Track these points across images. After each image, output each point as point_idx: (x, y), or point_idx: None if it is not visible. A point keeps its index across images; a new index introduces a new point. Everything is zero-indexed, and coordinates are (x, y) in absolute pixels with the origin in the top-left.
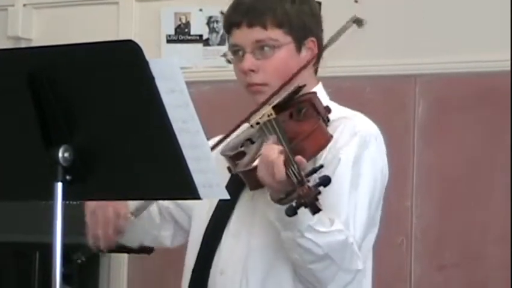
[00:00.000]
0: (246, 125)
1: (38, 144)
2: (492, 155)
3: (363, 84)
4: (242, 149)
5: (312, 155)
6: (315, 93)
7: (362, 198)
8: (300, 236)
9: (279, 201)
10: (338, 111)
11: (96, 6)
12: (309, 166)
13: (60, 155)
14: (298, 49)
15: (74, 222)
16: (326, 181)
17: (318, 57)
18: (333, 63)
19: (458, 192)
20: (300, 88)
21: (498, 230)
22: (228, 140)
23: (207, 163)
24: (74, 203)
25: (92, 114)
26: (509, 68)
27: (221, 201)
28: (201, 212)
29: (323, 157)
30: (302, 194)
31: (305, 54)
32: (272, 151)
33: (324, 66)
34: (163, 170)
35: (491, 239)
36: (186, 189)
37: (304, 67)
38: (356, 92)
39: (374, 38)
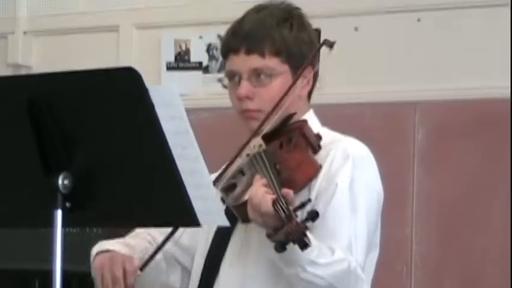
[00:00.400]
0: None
1: (38, 171)
2: (492, 182)
3: (364, 110)
4: (233, 180)
5: (302, 186)
6: (305, 121)
7: (361, 221)
8: (302, 271)
9: (269, 236)
10: (329, 137)
11: (96, 34)
12: (300, 197)
13: (60, 182)
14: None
15: (74, 249)
16: (313, 215)
17: (313, 85)
18: (334, 89)
19: (457, 219)
20: (291, 116)
21: (498, 257)
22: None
23: (207, 190)
24: (74, 230)
25: (92, 141)
26: (509, 95)
27: (217, 234)
28: (201, 246)
29: (318, 184)
30: (290, 230)
31: (301, 82)
32: (258, 188)
33: (324, 93)
34: (162, 196)
35: (490, 265)
36: (186, 216)
37: (288, 91)
38: (356, 119)
39: (374, 64)
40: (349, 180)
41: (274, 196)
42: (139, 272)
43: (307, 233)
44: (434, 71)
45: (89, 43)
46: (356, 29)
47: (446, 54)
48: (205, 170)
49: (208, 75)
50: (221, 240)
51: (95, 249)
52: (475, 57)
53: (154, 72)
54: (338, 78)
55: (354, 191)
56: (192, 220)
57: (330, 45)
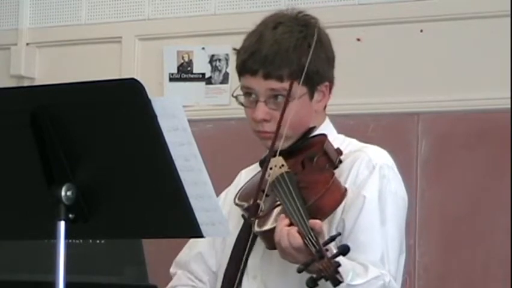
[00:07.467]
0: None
1: (41, 183)
2: (495, 192)
3: (367, 121)
4: (258, 201)
5: (329, 213)
6: (325, 136)
7: (391, 232)
8: None
9: (299, 271)
10: (349, 145)
11: (99, 45)
12: (328, 228)
13: (63, 193)
14: (311, 96)
15: (77, 260)
16: (345, 250)
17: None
18: (336, 100)
19: (460, 230)
20: (310, 130)
21: (500, 268)
22: (242, 186)
23: (210, 201)
24: (77, 241)
25: (95, 153)
26: (509, 106)
27: (237, 245)
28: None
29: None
30: (322, 267)
31: (317, 97)
32: (285, 222)
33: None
34: (165, 208)
35: (493, 276)
36: (189, 227)
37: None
38: (359, 130)
39: (377, 75)
40: (377, 191)
41: (302, 230)
42: None
43: (339, 269)
44: (437, 82)
45: (92, 54)
46: (358, 39)
47: (448, 64)
48: (208, 181)
49: (210, 87)
50: (242, 251)
51: None
52: (476, 68)
53: (156, 84)
54: (340, 89)
55: (383, 202)
56: (194, 231)
57: None
